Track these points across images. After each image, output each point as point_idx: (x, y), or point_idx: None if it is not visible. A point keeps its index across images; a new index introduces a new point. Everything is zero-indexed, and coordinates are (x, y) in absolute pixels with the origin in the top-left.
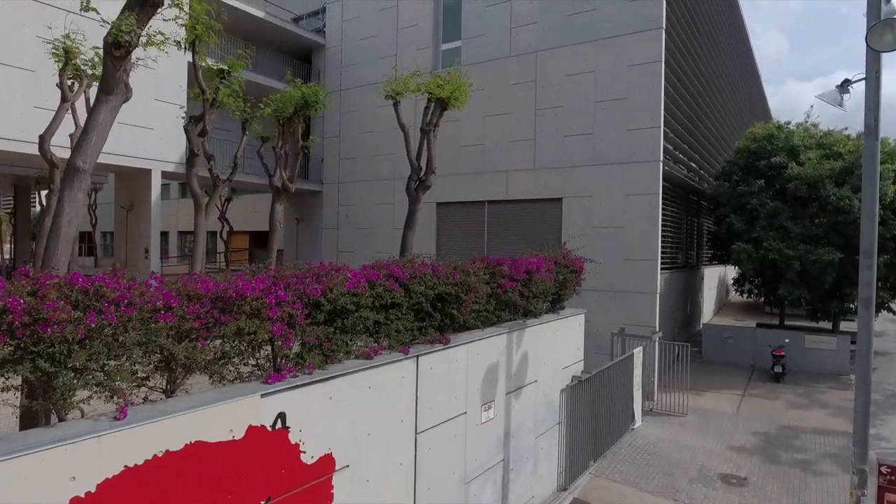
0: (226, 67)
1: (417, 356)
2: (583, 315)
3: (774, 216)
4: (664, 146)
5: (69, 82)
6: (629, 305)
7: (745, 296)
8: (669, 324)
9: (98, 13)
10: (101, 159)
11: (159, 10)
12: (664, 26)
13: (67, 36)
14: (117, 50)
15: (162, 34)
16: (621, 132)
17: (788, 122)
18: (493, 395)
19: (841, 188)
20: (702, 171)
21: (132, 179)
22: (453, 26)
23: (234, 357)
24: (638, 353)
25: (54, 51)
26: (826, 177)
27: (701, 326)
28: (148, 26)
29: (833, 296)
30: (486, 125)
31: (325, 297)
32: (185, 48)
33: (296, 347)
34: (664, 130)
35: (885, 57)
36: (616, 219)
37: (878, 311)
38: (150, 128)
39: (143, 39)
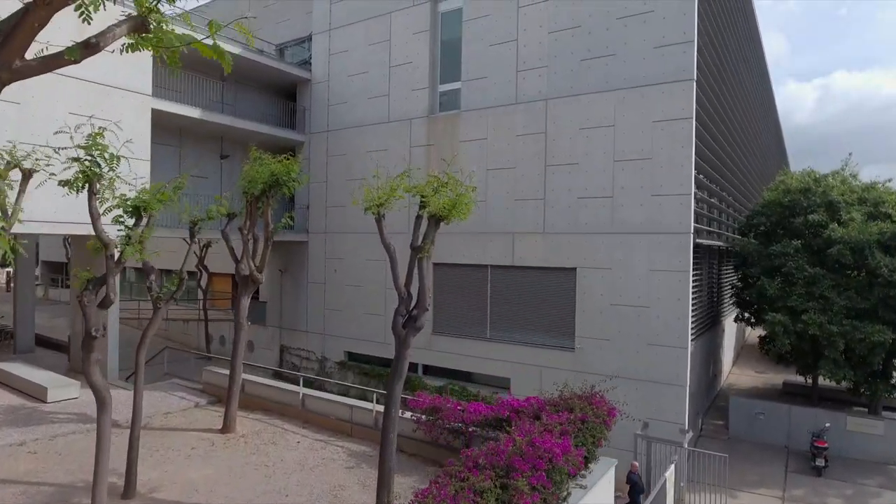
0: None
1: None
2: (612, 469)
3: (814, 283)
4: (695, 211)
5: None
6: (653, 396)
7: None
8: (693, 391)
9: None
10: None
11: None
12: (695, 77)
13: None
14: None
15: None
16: (645, 197)
17: (826, 175)
18: None
19: (893, 256)
20: (726, 219)
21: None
22: (452, 65)
23: None
24: (669, 475)
25: None
26: (874, 241)
27: (723, 384)
28: None
29: (881, 375)
30: (488, 180)
31: None
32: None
33: None
34: (695, 194)
35: (884, 57)
36: (639, 296)
37: None
38: None
39: None
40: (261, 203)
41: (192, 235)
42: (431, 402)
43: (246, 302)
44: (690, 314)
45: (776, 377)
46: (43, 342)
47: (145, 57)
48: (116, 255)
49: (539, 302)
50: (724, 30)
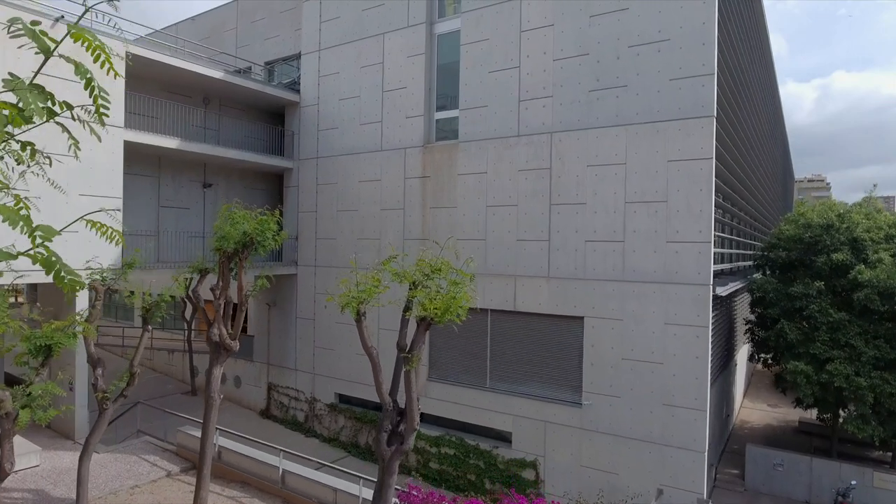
0: None
1: None
2: None
3: (839, 330)
4: (714, 252)
5: None
6: (668, 460)
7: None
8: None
9: None
10: None
11: None
12: (716, 113)
13: None
14: None
15: None
16: (659, 243)
17: (850, 210)
18: None
19: None
20: (742, 258)
21: (56, 292)
22: (449, 92)
23: None
24: None
25: None
26: None
27: (735, 421)
28: None
29: None
30: (488, 217)
31: None
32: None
33: None
34: (714, 238)
35: (884, 57)
36: (652, 351)
37: None
38: (74, 231)
39: None
40: (233, 264)
41: (145, 322)
42: (425, 500)
43: (218, 372)
44: (710, 375)
45: (790, 412)
46: None
47: (117, 85)
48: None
49: (543, 352)
50: (742, 60)
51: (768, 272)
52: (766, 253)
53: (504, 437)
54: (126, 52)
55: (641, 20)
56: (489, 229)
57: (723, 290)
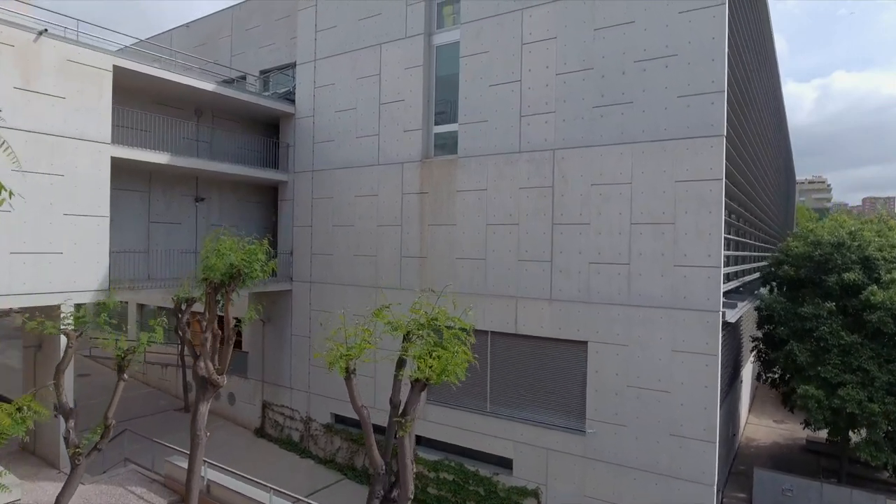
0: None
1: None
2: None
3: (851, 353)
4: (722, 276)
5: None
6: (675, 494)
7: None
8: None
9: None
10: None
11: None
12: (725, 132)
13: None
14: None
15: None
16: (666, 267)
17: (861, 228)
18: None
19: None
20: (751, 272)
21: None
22: (448, 105)
23: None
24: None
25: None
26: None
27: (741, 438)
28: None
29: None
30: (488, 235)
31: None
32: None
33: None
34: (724, 258)
35: (884, 57)
36: (659, 379)
37: None
38: (59, 252)
39: None
40: (220, 295)
41: (120, 370)
42: None
43: (205, 409)
44: (719, 404)
45: (796, 429)
46: None
47: (104, 100)
48: None
49: (545, 376)
50: (750, 72)
51: (775, 289)
52: (773, 269)
53: (505, 464)
54: (114, 66)
55: (648, 34)
56: (489, 248)
57: (732, 316)
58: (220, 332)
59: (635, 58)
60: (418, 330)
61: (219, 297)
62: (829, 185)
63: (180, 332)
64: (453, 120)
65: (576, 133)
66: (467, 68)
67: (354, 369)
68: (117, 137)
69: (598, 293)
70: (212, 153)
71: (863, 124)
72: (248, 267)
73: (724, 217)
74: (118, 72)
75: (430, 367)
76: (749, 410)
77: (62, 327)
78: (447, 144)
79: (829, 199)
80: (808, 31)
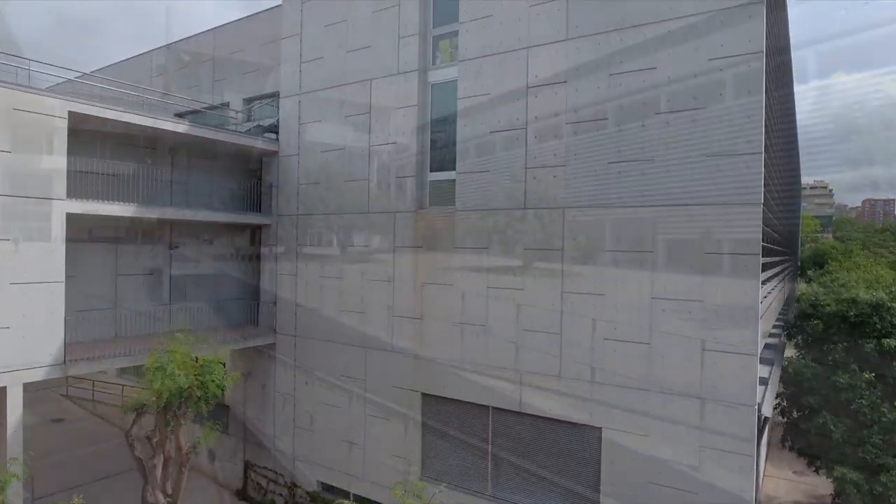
0: None
1: None
2: None
3: (894, 431)
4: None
5: None
6: None
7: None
8: None
9: None
10: None
11: None
12: (762, 199)
13: None
14: None
15: None
16: (693, 351)
17: None
18: None
19: None
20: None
21: None
22: (446, 150)
23: None
24: None
25: None
26: None
27: (761, 497)
28: None
29: None
30: (490, 301)
31: None
32: None
33: None
34: (762, 343)
35: (884, 57)
36: (685, 480)
37: None
38: (5, 326)
39: None
40: (170, 420)
41: None
42: None
43: None
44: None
45: (818, 481)
46: None
47: (57, 151)
48: None
49: (554, 462)
50: (778, 123)
51: (801, 345)
52: (798, 322)
53: None
54: (69, 112)
55: (672, 83)
56: (491, 315)
57: (768, 408)
58: (171, 455)
59: (657, 109)
60: None
61: (169, 418)
62: (830, 191)
63: (129, 447)
64: (451, 168)
65: (588, 191)
66: (466, 111)
67: None
68: (77, 188)
69: (613, 374)
70: (188, 194)
71: (863, 124)
72: (202, 388)
73: (760, 295)
74: (77, 116)
75: None
76: (766, 460)
77: None
78: (445, 195)
79: (830, 205)
80: (807, 30)
